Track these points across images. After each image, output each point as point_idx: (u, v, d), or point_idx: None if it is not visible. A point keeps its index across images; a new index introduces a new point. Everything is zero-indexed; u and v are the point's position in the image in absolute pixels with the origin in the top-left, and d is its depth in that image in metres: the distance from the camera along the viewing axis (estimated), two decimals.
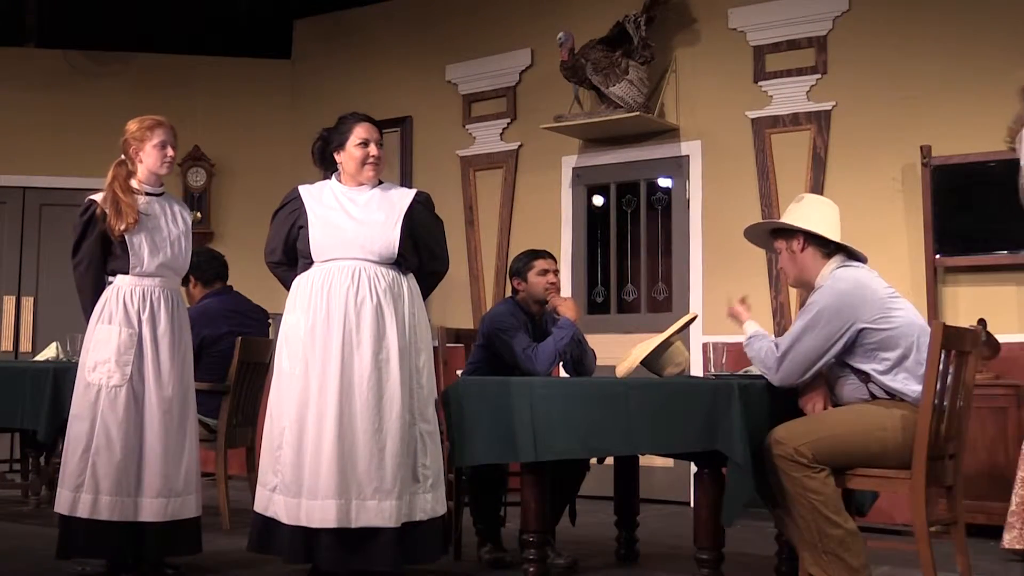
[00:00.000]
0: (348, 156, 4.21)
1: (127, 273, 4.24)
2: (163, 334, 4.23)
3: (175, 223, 4.35)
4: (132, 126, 4.34)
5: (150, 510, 4.13)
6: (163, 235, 4.29)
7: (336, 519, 3.89)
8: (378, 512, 3.91)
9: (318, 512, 3.90)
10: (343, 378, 3.97)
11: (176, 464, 4.19)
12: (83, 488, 4.12)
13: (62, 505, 4.16)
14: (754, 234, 4.26)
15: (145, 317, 4.22)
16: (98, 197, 4.29)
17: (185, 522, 4.22)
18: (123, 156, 4.35)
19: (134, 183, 4.32)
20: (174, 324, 4.27)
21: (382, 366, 4.01)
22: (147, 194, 4.33)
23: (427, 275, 4.33)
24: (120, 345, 4.18)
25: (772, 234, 4.14)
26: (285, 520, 3.97)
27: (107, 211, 4.22)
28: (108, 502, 4.11)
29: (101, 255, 4.27)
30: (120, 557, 4.23)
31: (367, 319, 4.01)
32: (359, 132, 4.20)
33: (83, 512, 4.11)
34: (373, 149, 4.20)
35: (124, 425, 4.14)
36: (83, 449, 4.15)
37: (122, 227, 4.19)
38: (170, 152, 4.34)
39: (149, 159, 4.31)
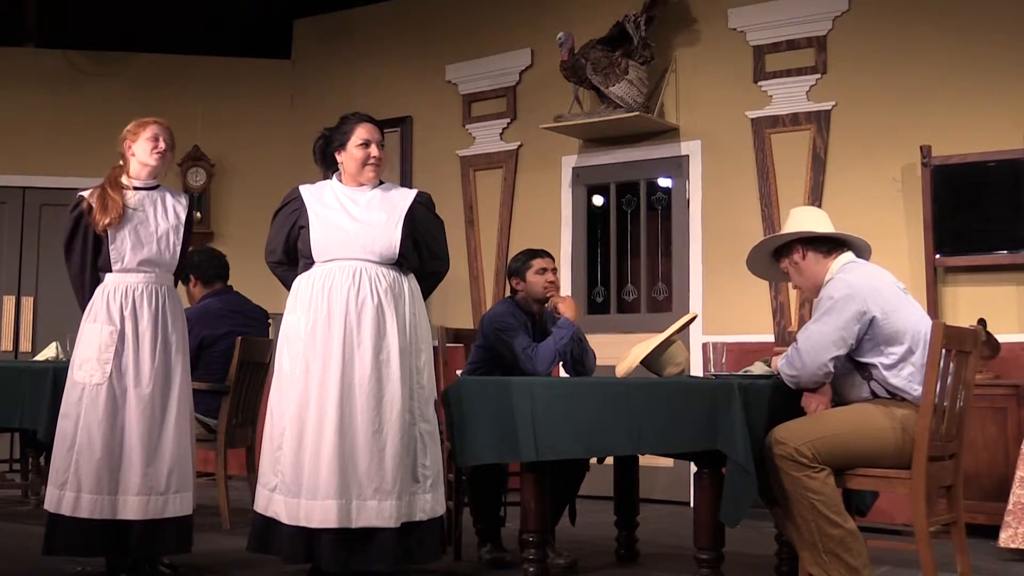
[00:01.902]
0: (349, 156, 4.21)
1: (111, 270, 4.24)
2: (144, 331, 4.19)
3: (165, 218, 4.30)
4: (129, 126, 4.37)
5: (131, 508, 4.11)
6: (149, 230, 4.25)
7: (337, 519, 3.89)
8: (378, 512, 3.91)
9: (318, 512, 3.90)
10: (343, 378, 3.97)
11: (157, 462, 4.14)
12: (67, 486, 4.12)
13: (49, 502, 4.18)
14: (757, 265, 4.28)
15: (127, 314, 4.19)
16: (87, 193, 4.30)
17: (172, 520, 4.18)
18: (121, 158, 4.36)
19: (124, 179, 4.31)
20: (157, 321, 4.22)
21: (382, 366, 4.01)
22: (137, 188, 4.31)
23: (428, 275, 4.33)
24: (101, 343, 4.18)
25: (774, 258, 4.17)
26: (285, 520, 3.97)
27: (93, 205, 4.22)
28: (89, 500, 4.11)
29: (93, 251, 4.26)
30: (104, 554, 4.22)
31: (368, 319, 4.01)
32: (360, 133, 4.20)
33: (66, 510, 4.12)
34: (374, 150, 4.20)
35: (104, 423, 4.12)
36: (67, 447, 4.15)
37: (105, 221, 4.19)
38: (161, 144, 4.31)
39: (140, 150, 4.30)
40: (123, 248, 4.22)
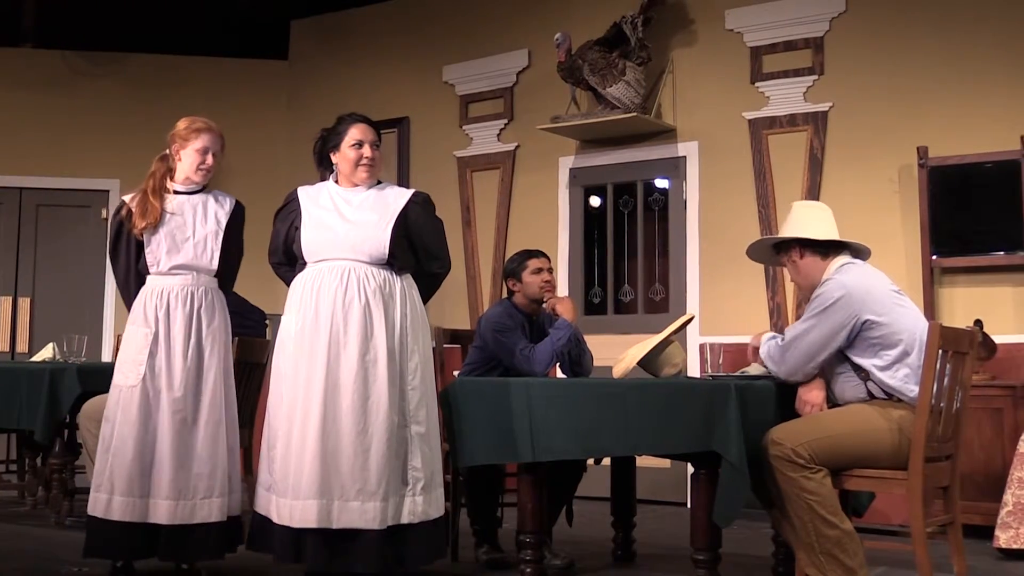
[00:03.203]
0: (343, 157, 4.20)
1: (150, 273, 4.27)
2: (177, 334, 4.18)
3: (204, 223, 4.30)
4: (181, 124, 4.36)
5: (159, 512, 4.09)
6: (185, 235, 4.25)
7: (317, 519, 3.87)
8: (361, 513, 3.89)
9: (299, 512, 3.89)
10: (328, 378, 3.95)
11: (187, 467, 4.11)
12: (102, 488, 4.14)
13: (89, 504, 4.20)
14: (758, 254, 4.29)
15: (161, 316, 4.19)
16: (128, 197, 4.33)
17: (202, 526, 4.12)
18: (167, 151, 4.37)
19: (168, 182, 4.34)
20: (191, 324, 4.20)
21: (369, 367, 3.99)
22: (178, 192, 4.33)
23: (426, 276, 4.30)
24: (137, 345, 4.19)
25: (775, 251, 4.18)
26: (276, 520, 3.97)
27: (133, 211, 4.26)
28: (120, 503, 4.10)
29: (136, 255, 4.28)
30: (133, 557, 4.20)
31: (355, 320, 4.00)
32: (354, 133, 4.20)
33: (98, 511, 4.12)
34: (367, 150, 4.19)
35: (137, 426, 4.12)
36: (104, 449, 4.17)
37: (141, 225, 4.22)
38: (209, 160, 4.34)
39: (187, 161, 4.32)
40: (159, 252, 4.23)
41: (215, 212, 4.35)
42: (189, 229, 4.28)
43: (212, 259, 4.29)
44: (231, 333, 4.37)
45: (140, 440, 4.11)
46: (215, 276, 4.32)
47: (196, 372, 4.19)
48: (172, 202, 4.31)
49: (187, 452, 4.13)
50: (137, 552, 4.17)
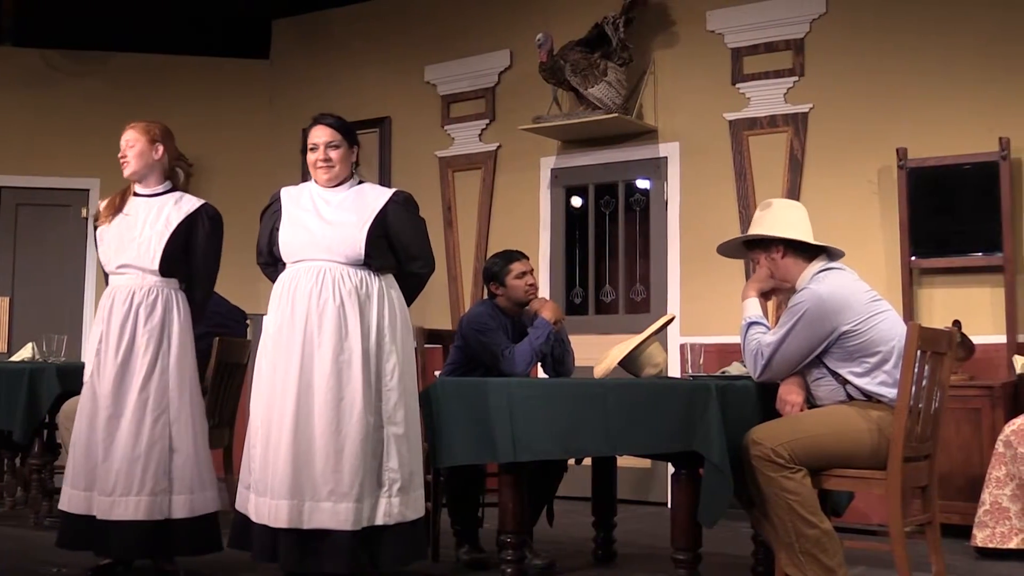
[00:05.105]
0: (308, 159, 4.22)
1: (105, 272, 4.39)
2: (112, 331, 4.22)
3: (154, 225, 4.30)
4: None
5: (94, 505, 4.15)
6: (132, 235, 4.29)
7: (288, 519, 3.87)
8: (333, 514, 3.88)
9: (274, 511, 3.90)
10: (302, 378, 3.96)
11: (108, 463, 4.12)
12: (66, 481, 4.26)
13: None
14: (729, 249, 4.26)
15: (105, 315, 4.27)
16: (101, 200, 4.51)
17: (123, 523, 4.09)
18: None
19: (135, 187, 4.42)
20: (126, 322, 4.21)
21: (343, 367, 3.98)
22: (138, 195, 4.40)
23: (407, 276, 4.28)
24: (93, 343, 4.30)
25: (747, 245, 4.15)
26: (254, 518, 3.97)
27: (100, 211, 4.42)
28: (68, 495, 4.22)
29: None
30: (86, 549, 4.24)
31: (329, 320, 3.99)
32: (311, 136, 4.20)
33: (60, 504, 4.25)
34: (322, 152, 4.16)
35: (82, 420, 4.22)
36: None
37: (98, 224, 4.40)
38: (126, 152, 4.36)
39: None
40: (108, 252, 4.33)
41: (168, 214, 4.35)
42: (137, 229, 4.32)
43: (154, 259, 4.27)
44: (189, 332, 4.34)
45: (84, 434, 4.22)
46: (170, 277, 4.32)
47: (124, 369, 4.20)
48: (131, 204, 4.38)
49: (109, 448, 4.16)
50: (84, 545, 4.23)
